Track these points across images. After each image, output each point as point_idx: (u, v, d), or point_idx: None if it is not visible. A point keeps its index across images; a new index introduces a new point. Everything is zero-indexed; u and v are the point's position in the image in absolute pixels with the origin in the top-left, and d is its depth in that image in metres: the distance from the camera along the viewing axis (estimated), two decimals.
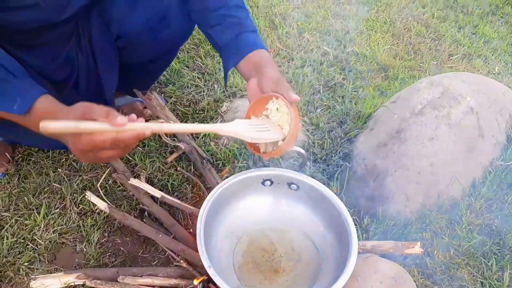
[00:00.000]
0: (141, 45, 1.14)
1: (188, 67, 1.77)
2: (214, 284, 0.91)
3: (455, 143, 1.25)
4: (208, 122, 1.54)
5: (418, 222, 1.24)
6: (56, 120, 0.60)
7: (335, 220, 1.04)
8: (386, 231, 1.22)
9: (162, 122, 1.39)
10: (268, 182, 1.11)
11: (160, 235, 1.13)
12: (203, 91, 1.66)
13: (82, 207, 1.23)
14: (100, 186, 1.26)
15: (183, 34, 1.21)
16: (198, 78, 1.72)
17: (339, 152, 1.41)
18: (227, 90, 1.67)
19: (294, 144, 0.92)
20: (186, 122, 1.53)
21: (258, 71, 0.92)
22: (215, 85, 1.69)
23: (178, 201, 1.21)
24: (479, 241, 1.22)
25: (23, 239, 1.14)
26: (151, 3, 1.06)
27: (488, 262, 1.18)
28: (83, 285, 1.03)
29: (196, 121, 1.54)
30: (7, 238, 1.13)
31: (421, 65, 2.00)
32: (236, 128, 0.85)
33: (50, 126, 0.59)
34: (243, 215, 1.12)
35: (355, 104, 1.65)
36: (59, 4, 0.93)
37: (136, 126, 0.66)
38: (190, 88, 1.67)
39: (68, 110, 0.71)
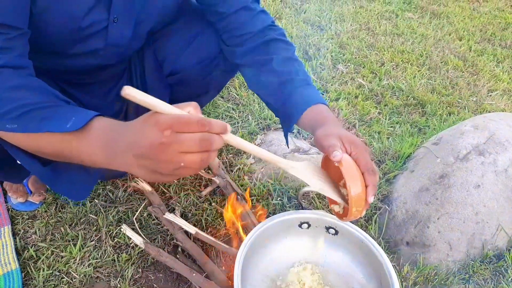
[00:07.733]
0: (191, 82, 1.16)
1: (223, 97, 1.78)
2: None
3: (502, 192, 1.19)
4: (241, 155, 1.53)
5: (461, 273, 1.19)
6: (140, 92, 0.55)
7: (375, 269, 0.99)
8: (427, 281, 1.17)
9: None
10: (305, 225, 1.08)
11: (194, 274, 1.11)
12: (238, 123, 1.66)
13: (117, 240, 1.22)
14: (135, 219, 1.26)
15: (231, 72, 1.23)
16: (233, 109, 1.72)
17: (378, 194, 1.37)
18: (261, 123, 1.67)
19: (361, 213, 0.83)
20: (220, 154, 1.53)
21: (314, 131, 0.90)
22: (249, 117, 1.69)
23: (212, 239, 1.19)
24: None
25: (58, 271, 1.14)
26: (204, 45, 1.09)
27: None
28: None
29: (230, 154, 1.53)
30: (43, 270, 1.13)
31: (460, 101, 1.95)
32: (306, 171, 0.83)
33: (132, 92, 0.54)
34: (279, 258, 1.09)
35: (393, 141, 1.61)
36: (117, 50, 0.95)
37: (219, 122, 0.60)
38: (224, 119, 1.67)
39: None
